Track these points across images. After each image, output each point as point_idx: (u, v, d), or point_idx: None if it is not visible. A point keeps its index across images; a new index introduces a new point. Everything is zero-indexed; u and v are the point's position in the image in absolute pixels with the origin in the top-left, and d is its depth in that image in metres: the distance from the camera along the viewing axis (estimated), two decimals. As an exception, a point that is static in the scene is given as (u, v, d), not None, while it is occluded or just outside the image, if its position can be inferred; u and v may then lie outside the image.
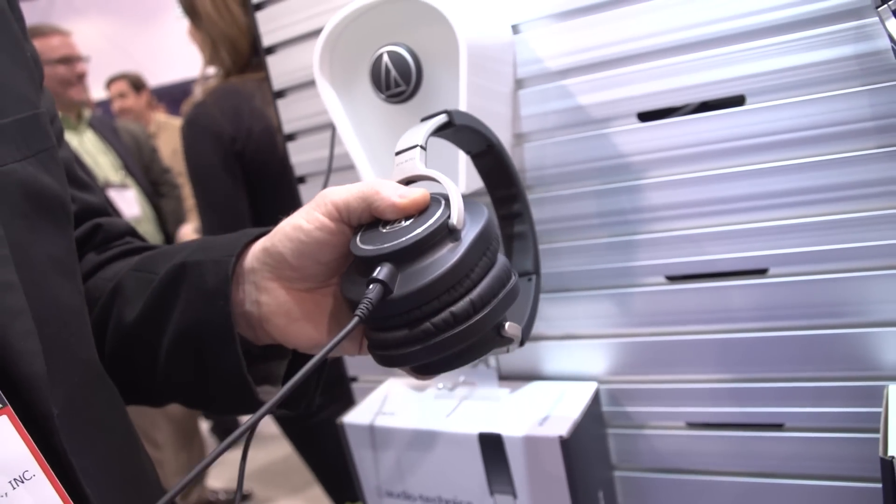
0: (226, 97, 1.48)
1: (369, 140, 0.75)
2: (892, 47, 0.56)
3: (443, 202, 0.47)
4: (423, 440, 0.79)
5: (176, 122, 3.20)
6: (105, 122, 2.64)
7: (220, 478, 3.03)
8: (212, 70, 1.57)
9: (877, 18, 0.61)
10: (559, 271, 0.80)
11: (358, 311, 0.42)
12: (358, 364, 1.00)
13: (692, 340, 0.75)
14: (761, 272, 0.71)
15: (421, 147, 0.50)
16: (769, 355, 0.72)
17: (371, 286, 0.43)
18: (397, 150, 0.51)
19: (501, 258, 0.47)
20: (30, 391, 0.41)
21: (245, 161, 1.48)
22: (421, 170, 0.49)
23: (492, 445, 0.74)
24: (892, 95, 0.62)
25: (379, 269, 0.44)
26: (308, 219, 0.49)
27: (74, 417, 0.45)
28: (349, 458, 0.86)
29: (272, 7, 0.89)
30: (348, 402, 0.99)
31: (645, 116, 0.73)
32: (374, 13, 0.71)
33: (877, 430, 0.68)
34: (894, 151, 0.63)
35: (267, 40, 0.90)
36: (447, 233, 0.45)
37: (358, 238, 0.47)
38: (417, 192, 0.47)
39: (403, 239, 0.44)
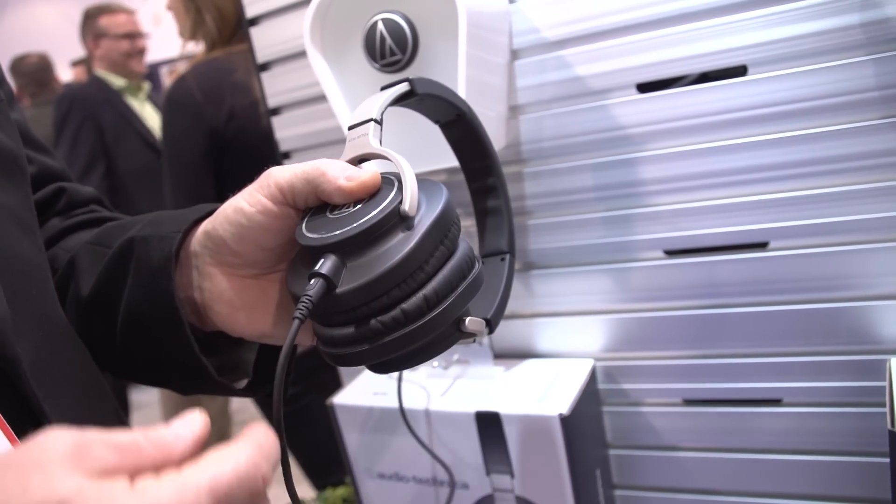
0: (207, 73, 1.44)
1: (362, 112, 0.72)
2: (903, 13, 0.55)
3: (396, 184, 0.43)
4: (417, 420, 0.77)
5: None
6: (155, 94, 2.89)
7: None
8: (192, 46, 1.51)
9: (884, -15, 0.60)
10: (555, 246, 0.78)
11: (297, 312, 0.39)
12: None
13: (690, 316, 0.74)
14: (762, 246, 0.70)
15: (375, 121, 0.46)
16: (768, 330, 0.72)
17: (312, 281, 0.40)
18: (350, 123, 0.47)
19: (463, 245, 0.43)
20: None
21: (227, 140, 1.44)
22: (374, 147, 0.45)
23: (489, 424, 0.73)
24: (898, 65, 0.62)
25: (322, 261, 0.40)
26: (250, 201, 0.45)
27: (42, 371, 0.42)
28: (339, 439, 0.84)
29: (255, -24, 0.86)
30: (330, 387, 0.96)
31: (644, 87, 0.71)
32: (367, -21, 0.68)
33: (878, 405, 0.68)
34: (899, 122, 0.63)
35: (250, 11, 0.87)
36: (399, 220, 0.41)
37: (304, 224, 0.44)
38: (366, 174, 0.43)
39: (350, 227, 0.41)
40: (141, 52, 2.72)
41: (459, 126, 0.55)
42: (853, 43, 0.63)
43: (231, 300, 0.48)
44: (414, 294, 0.40)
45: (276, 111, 0.91)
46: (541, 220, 0.78)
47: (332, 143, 0.86)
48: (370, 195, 0.43)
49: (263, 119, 1.22)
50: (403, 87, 0.48)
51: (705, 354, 0.75)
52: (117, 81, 2.65)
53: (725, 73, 0.69)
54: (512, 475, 0.74)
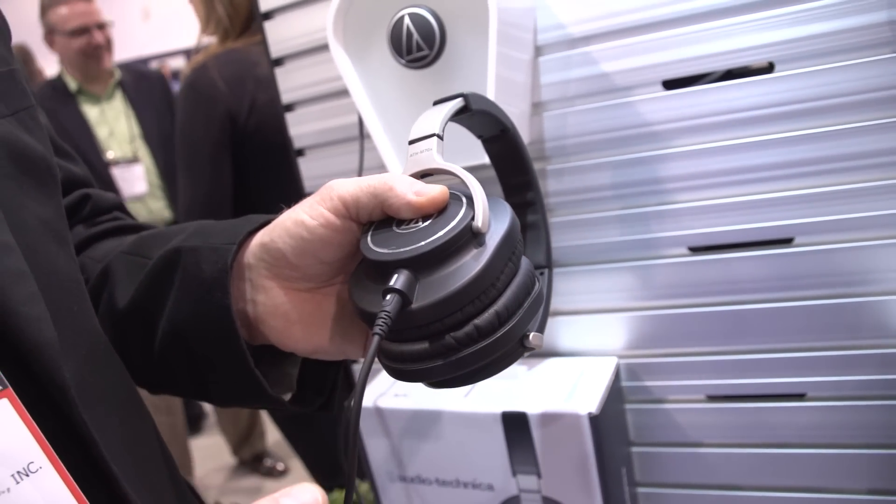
0: (228, 63, 1.41)
1: (386, 109, 0.71)
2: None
3: (463, 200, 0.43)
4: (440, 421, 0.77)
5: None
6: (143, 81, 2.52)
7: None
8: (207, 39, 1.49)
9: (917, -18, 0.60)
10: (578, 244, 0.78)
11: (377, 329, 0.38)
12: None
13: (714, 312, 0.74)
14: (787, 241, 0.70)
15: (438, 136, 0.46)
16: (792, 325, 0.72)
17: (388, 297, 0.39)
18: (411, 138, 0.47)
19: (525, 262, 0.43)
20: (40, 361, 0.37)
21: (247, 134, 1.41)
22: (439, 163, 0.45)
23: (515, 424, 0.72)
24: (929, 61, 0.62)
25: (396, 276, 0.40)
26: (311, 214, 0.44)
27: (86, 392, 0.41)
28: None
29: (268, -30, 0.85)
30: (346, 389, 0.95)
31: (670, 84, 0.71)
32: (393, -26, 0.67)
33: (906, 398, 0.68)
34: (929, 118, 0.63)
35: (264, 5, 0.86)
36: (471, 237, 0.41)
37: (369, 238, 0.43)
38: (435, 189, 0.43)
39: (423, 243, 0.40)
40: (98, 47, 2.36)
41: (502, 141, 0.55)
42: (881, 40, 0.63)
43: (287, 314, 0.47)
44: (486, 310, 0.40)
45: (289, 107, 0.89)
46: (563, 218, 0.77)
47: (347, 140, 0.85)
48: (438, 211, 0.43)
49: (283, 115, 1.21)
50: (459, 103, 0.48)
51: (729, 350, 0.75)
52: (73, 84, 2.39)
53: (751, 70, 0.68)
54: (539, 475, 0.73)
